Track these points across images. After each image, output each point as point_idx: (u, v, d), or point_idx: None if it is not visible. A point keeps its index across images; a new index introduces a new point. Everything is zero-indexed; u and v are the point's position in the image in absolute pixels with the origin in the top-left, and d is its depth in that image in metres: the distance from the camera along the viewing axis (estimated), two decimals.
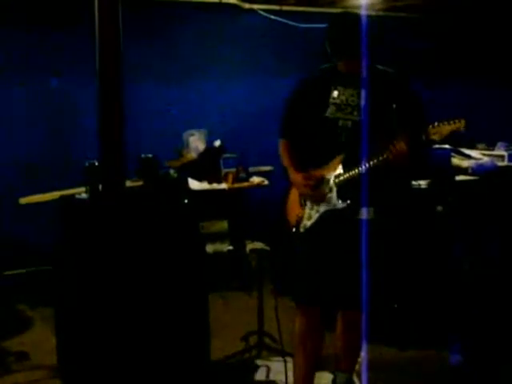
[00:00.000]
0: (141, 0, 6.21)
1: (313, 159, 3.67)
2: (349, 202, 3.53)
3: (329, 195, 3.58)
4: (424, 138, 3.35)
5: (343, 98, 3.56)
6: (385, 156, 3.40)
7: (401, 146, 3.36)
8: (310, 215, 3.64)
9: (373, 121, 3.48)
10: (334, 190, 3.57)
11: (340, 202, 3.55)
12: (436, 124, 3.33)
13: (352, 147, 3.50)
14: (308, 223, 3.64)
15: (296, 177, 3.68)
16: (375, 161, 3.43)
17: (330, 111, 3.57)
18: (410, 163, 3.42)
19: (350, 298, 3.64)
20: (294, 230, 3.70)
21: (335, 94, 3.57)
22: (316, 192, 3.61)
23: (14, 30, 5.92)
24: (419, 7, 7.08)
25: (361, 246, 3.49)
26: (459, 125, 3.32)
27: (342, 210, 3.56)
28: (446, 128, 3.32)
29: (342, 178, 3.54)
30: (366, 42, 3.45)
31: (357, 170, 3.48)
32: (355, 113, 3.53)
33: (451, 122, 3.33)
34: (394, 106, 3.51)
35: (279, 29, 6.90)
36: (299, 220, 3.67)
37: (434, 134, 3.33)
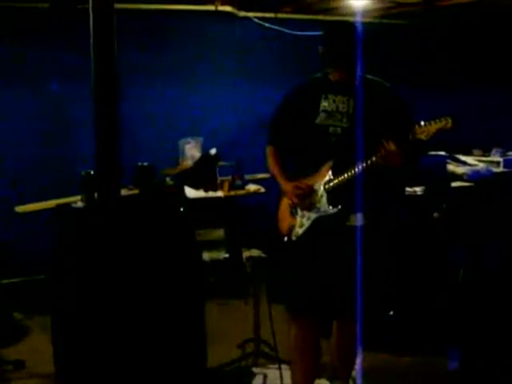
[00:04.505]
0: (138, 8, 6.24)
1: (303, 166, 3.68)
2: (339, 207, 3.54)
3: (319, 202, 3.59)
4: (411, 137, 3.36)
5: (333, 105, 3.58)
6: (374, 159, 3.42)
7: (390, 144, 3.37)
8: (302, 223, 3.65)
9: (362, 128, 3.49)
10: (325, 196, 3.58)
11: (331, 207, 3.56)
12: (423, 123, 3.34)
13: (341, 153, 3.53)
14: (300, 231, 3.65)
15: (287, 187, 3.69)
16: (364, 164, 3.44)
17: (320, 118, 3.58)
18: (401, 163, 3.43)
19: (343, 307, 3.64)
20: (286, 238, 3.71)
21: (325, 101, 3.59)
22: (306, 200, 3.62)
23: (8, 37, 5.93)
24: (414, 14, 7.10)
25: (353, 252, 3.51)
26: (445, 122, 3.32)
27: (334, 215, 3.57)
28: (433, 126, 3.32)
29: (331, 183, 3.55)
30: (360, 51, 3.47)
31: (346, 175, 3.49)
32: (345, 120, 3.55)
33: (437, 121, 3.33)
34: (383, 115, 3.52)
35: (274, 37, 6.91)
36: (291, 228, 3.68)
37: (422, 133, 3.33)
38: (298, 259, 3.67)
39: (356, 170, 3.46)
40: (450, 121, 3.31)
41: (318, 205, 3.60)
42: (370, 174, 3.46)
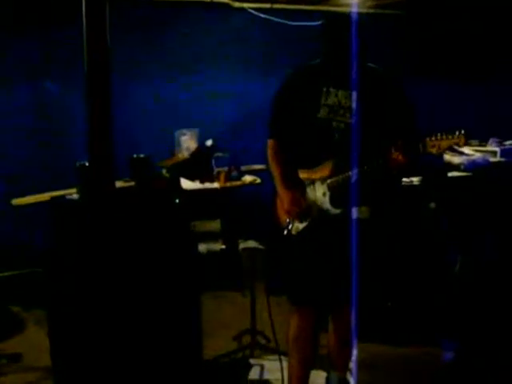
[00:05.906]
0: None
1: (304, 160, 3.60)
2: (342, 209, 3.51)
3: (321, 199, 3.55)
4: (421, 149, 3.32)
5: (335, 99, 3.50)
6: (380, 162, 3.37)
7: (398, 156, 3.34)
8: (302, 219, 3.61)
9: (366, 122, 3.45)
10: (327, 194, 3.52)
11: (333, 208, 3.53)
12: (434, 138, 3.29)
13: (345, 149, 3.46)
14: (300, 226, 3.58)
15: (285, 196, 3.58)
16: (368, 167, 3.40)
17: (322, 112, 3.50)
18: (405, 169, 3.42)
19: (344, 298, 3.62)
20: (285, 232, 3.63)
21: (327, 95, 3.50)
22: (301, 213, 3.57)
23: (3, 34, 5.91)
24: (410, 4, 7.08)
25: (355, 245, 3.47)
26: (458, 140, 3.26)
27: (336, 214, 3.54)
28: (445, 142, 3.26)
29: (334, 181, 3.49)
30: (359, 42, 3.42)
31: (349, 173, 3.44)
32: (347, 115, 3.48)
33: (450, 137, 3.28)
34: (386, 104, 3.49)
35: (270, 27, 6.89)
36: (291, 222, 3.61)
37: (432, 146, 3.27)
38: (300, 252, 3.63)
39: (360, 169, 3.41)
40: (462, 139, 3.27)
41: (319, 203, 3.56)
42: (372, 173, 3.43)
